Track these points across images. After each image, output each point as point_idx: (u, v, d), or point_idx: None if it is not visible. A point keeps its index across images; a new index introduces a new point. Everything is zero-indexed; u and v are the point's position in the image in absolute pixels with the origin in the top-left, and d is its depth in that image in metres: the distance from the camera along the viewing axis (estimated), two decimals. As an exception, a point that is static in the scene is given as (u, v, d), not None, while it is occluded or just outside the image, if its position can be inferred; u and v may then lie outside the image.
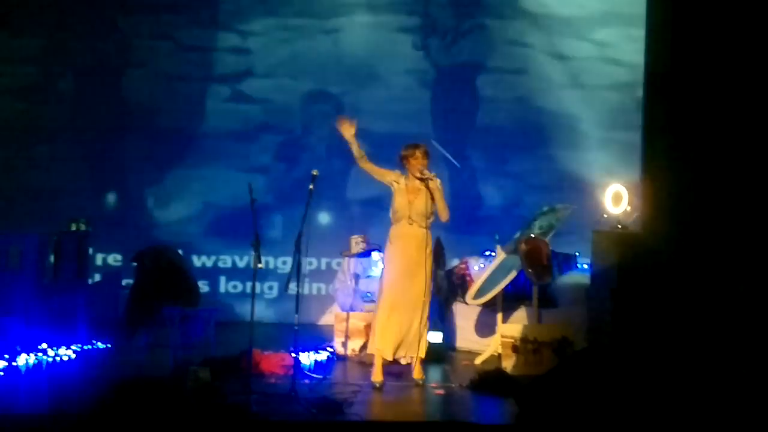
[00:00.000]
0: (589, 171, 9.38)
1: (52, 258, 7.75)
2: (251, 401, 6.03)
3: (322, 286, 9.64)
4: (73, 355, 7.25)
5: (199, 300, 7.89)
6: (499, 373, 6.93)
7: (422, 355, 6.82)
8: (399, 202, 6.80)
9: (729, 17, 5.55)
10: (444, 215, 6.83)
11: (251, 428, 5.64)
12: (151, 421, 5.56)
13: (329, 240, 8.91)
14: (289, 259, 7.37)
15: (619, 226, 7.56)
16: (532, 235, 7.72)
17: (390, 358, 6.80)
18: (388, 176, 6.85)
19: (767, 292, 5.39)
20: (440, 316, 8.04)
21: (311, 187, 6.51)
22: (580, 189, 9.25)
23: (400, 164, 6.85)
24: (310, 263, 9.44)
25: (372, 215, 9.12)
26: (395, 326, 6.72)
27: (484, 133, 9.82)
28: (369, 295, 8.06)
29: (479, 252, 8.67)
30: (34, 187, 9.59)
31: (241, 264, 9.72)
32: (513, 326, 7.55)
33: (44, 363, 6.93)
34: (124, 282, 8.77)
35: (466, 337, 8.23)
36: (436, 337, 7.68)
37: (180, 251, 8.86)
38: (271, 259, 9.54)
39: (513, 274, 7.68)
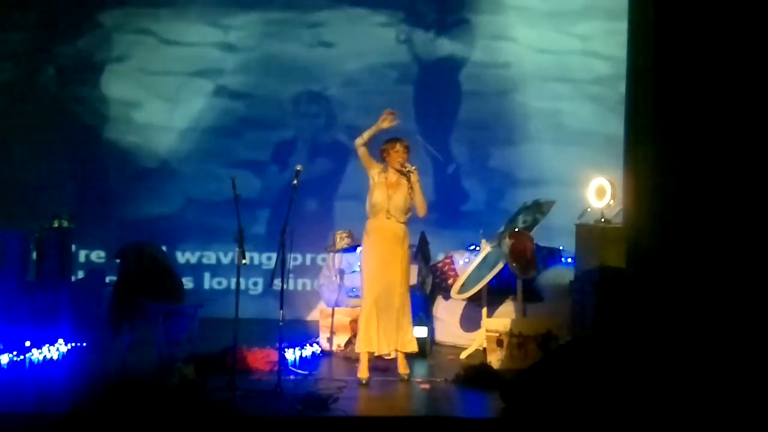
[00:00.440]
0: (573, 165, 9.39)
1: (34, 255, 7.71)
2: (236, 398, 6.01)
3: (307, 281, 9.62)
4: (57, 354, 7.20)
5: (183, 296, 7.84)
6: (484, 367, 6.94)
7: (407, 349, 6.83)
8: (378, 195, 6.79)
9: (711, 10, 5.57)
10: (421, 210, 6.83)
11: (236, 425, 5.63)
12: (136, 419, 5.55)
13: (314, 235, 8.90)
14: (274, 255, 7.35)
15: (603, 220, 7.59)
16: (516, 230, 7.73)
17: (375, 353, 6.79)
18: (374, 168, 6.84)
19: (751, 284, 5.42)
20: (425, 310, 8.04)
21: (295, 182, 6.49)
22: (563, 183, 9.29)
23: (380, 157, 6.85)
24: (295, 259, 9.41)
25: (357, 211, 9.09)
26: (377, 321, 6.71)
27: (467, 128, 9.83)
28: (354, 290, 8.05)
29: (464, 246, 8.69)
30: (15, 184, 9.52)
31: (225, 260, 9.69)
32: (498, 320, 7.56)
33: (27, 361, 6.89)
34: (107, 279, 8.71)
35: (451, 331, 8.23)
36: (421, 331, 7.68)
37: (163, 247, 8.81)
38: (255, 255, 9.51)
39: (498, 267, 7.68)
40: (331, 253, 8.38)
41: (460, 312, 8.21)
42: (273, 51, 9.76)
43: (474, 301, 7.99)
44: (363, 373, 6.76)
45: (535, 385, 5.79)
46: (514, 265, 7.60)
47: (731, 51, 5.54)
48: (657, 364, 5.49)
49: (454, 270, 8.28)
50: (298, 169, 6.55)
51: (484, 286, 7.74)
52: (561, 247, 8.50)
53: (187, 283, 9.21)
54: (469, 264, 8.10)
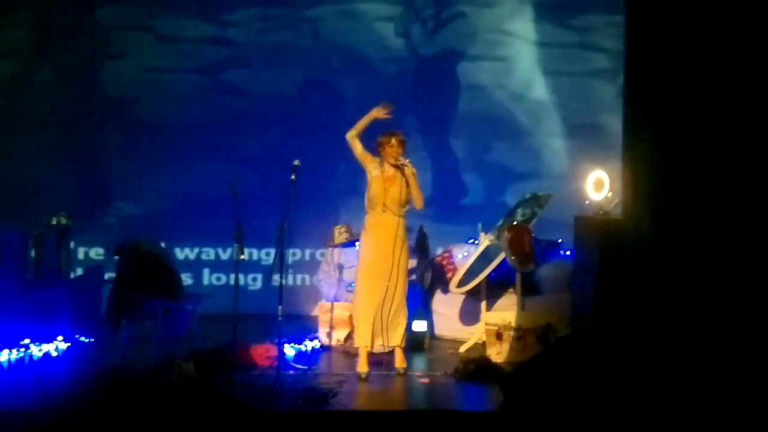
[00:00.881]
0: (571, 157, 9.41)
1: (33, 252, 7.71)
2: (236, 393, 6.02)
3: (306, 276, 9.62)
4: (56, 351, 7.20)
5: (182, 293, 7.84)
6: (484, 360, 6.94)
7: (391, 343, 6.80)
8: (374, 189, 6.78)
9: (709, 3, 5.57)
10: (419, 203, 6.83)
11: (236, 420, 5.63)
12: (136, 415, 5.55)
13: (313, 230, 8.90)
14: (273, 251, 7.35)
15: (601, 213, 7.58)
16: (515, 223, 7.73)
17: (371, 348, 6.79)
18: (370, 162, 6.83)
19: (749, 276, 5.42)
20: (424, 304, 8.05)
21: (293, 177, 6.49)
22: (562, 176, 9.30)
23: (375, 151, 6.84)
24: (294, 254, 9.42)
25: (355, 205, 9.08)
26: (373, 315, 6.71)
27: (466, 121, 9.82)
28: (353, 285, 8.05)
29: (463, 240, 8.69)
30: (14, 181, 9.51)
31: (224, 256, 9.69)
32: (497, 314, 7.56)
33: (26, 358, 6.89)
34: (106, 276, 8.71)
35: (450, 325, 8.24)
36: (421, 326, 7.70)
37: (162, 244, 8.80)
38: (254, 251, 9.51)
39: (498, 260, 7.67)
40: (330, 248, 8.39)
41: (459, 306, 8.21)
42: (271, 46, 9.75)
43: (473, 295, 7.99)
44: (362, 367, 6.76)
45: (534, 378, 5.78)
46: (512, 258, 7.60)
47: (729, 44, 5.53)
48: (656, 356, 5.49)
49: (453, 264, 8.28)
50: (296, 164, 6.55)
51: (483, 280, 7.75)
52: (560, 240, 8.49)
53: (186, 279, 9.21)
54: (467, 258, 8.10)
